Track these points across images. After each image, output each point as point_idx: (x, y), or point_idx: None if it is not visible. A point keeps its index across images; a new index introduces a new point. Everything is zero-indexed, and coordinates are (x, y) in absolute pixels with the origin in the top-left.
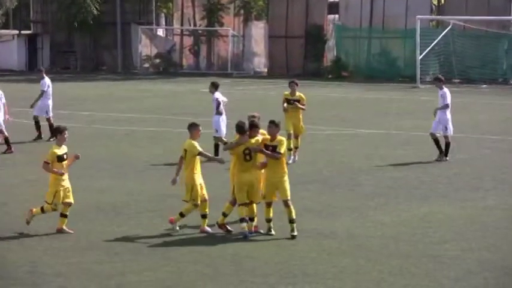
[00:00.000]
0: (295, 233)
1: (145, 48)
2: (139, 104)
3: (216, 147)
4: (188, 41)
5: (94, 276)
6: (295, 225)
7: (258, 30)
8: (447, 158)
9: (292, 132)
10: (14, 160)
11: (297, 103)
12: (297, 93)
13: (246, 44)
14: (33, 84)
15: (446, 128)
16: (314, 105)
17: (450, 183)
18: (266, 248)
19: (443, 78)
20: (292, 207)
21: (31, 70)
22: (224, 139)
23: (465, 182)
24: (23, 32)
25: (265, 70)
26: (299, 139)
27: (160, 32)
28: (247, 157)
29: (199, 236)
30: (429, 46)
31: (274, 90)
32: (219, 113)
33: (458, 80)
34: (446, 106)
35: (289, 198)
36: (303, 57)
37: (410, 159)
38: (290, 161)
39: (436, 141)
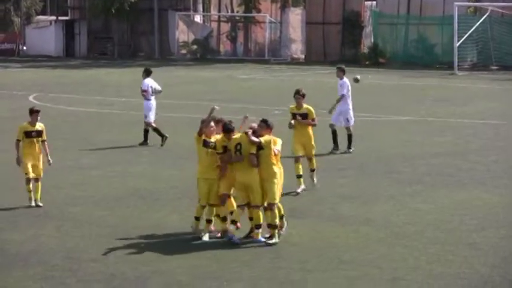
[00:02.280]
0: (273, 241)
1: (182, 34)
2: (176, 90)
3: (146, 132)
4: (225, 27)
5: (131, 261)
6: (276, 231)
7: (295, 16)
8: (351, 150)
9: (301, 154)
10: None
11: (300, 118)
12: (304, 106)
13: (283, 30)
14: (71, 70)
15: (347, 120)
16: (351, 91)
17: (488, 170)
18: (303, 234)
19: (344, 68)
20: (276, 212)
21: (68, 56)
22: (153, 124)
23: (503, 169)
24: (60, 18)
25: (303, 56)
26: (313, 160)
27: (198, 19)
28: (238, 153)
29: None
30: (467, 33)
31: (312, 76)
32: (147, 99)
33: (496, 67)
34: (342, 97)
35: (275, 201)
36: (340, 43)
37: (447, 146)
38: (299, 190)
39: (334, 133)
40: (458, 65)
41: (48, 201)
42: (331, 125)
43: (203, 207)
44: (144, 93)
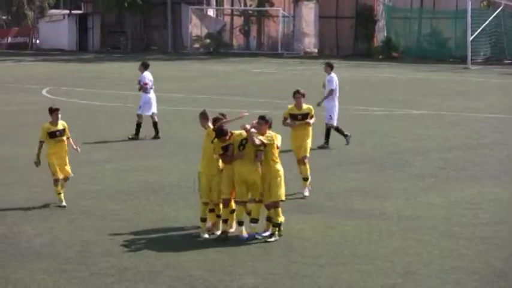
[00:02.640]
0: (273, 239)
1: (195, 28)
2: (189, 84)
3: (138, 125)
4: (238, 21)
5: (143, 255)
6: (277, 229)
7: (308, 10)
8: (349, 135)
9: (297, 157)
10: None
11: (301, 118)
12: (304, 106)
13: (296, 24)
14: (84, 64)
15: (330, 117)
16: (364, 86)
17: (501, 165)
18: (316, 229)
19: (332, 64)
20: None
21: (81, 50)
22: (156, 118)
23: None
24: (73, 11)
25: (316, 50)
26: (307, 165)
27: (211, 12)
28: (241, 148)
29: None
30: (480, 27)
31: None
32: (147, 92)
33: (509, 61)
34: (331, 92)
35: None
36: (353, 37)
37: (460, 140)
38: (306, 193)
39: (336, 129)
40: (471, 59)
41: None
42: (326, 124)
43: (206, 204)
44: (145, 86)
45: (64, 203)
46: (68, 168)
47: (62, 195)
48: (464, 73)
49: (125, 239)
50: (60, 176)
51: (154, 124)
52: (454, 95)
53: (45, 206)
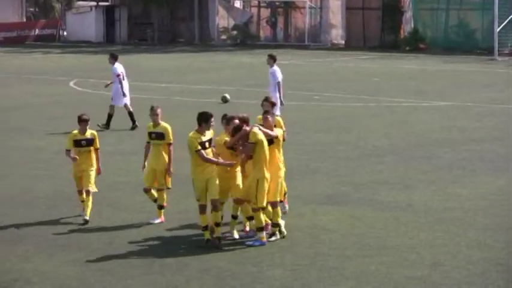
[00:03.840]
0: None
1: (222, 20)
2: (216, 75)
3: (109, 116)
4: (265, 12)
5: (171, 247)
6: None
7: (335, 1)
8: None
9: None
10: None
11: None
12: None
13: (323, 15)
14: None
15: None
16: (391, 77)
17: None
18: (343, 220)
19: (275, 56)
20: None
21: (109, 42)
22: (130, 108)
23: None
24: (100, 3)
25: (342, 42)
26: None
27: (238, 4)
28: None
29: None
30: (507, 18)
31: (351, 62)
32: (119, 83)
33: None
34: (278, 84)
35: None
36: (380, 29)
37: (487, 132)
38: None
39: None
40: (498, 51)
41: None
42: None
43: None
44: (118, 78)
45: (87, 217)
46: (91, 181)
47: (88, 210)
48: (491, 64)
49: (151, 231)
50: (83, 188)
51: (130, 114)
52: (481, 87)
53: (72, 198)
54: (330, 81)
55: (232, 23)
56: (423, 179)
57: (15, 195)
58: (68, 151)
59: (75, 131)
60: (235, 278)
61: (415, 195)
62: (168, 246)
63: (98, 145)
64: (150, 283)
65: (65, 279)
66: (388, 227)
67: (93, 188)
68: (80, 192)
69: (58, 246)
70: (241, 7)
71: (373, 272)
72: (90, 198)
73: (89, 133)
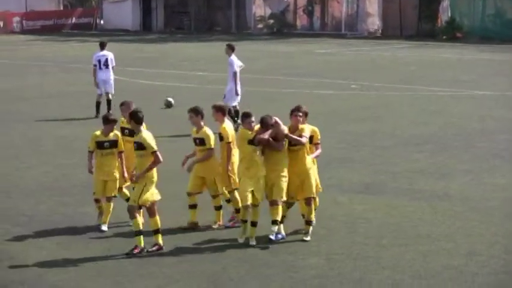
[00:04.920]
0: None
1: (259, 8)
2: (252, 64)
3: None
4: (302, 1)
5: (204, 235)
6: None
7: None
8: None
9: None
10: None
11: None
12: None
13: (360, 4)
14: (147, 44)
15: (224, 96)
16: (428, 66)
17: None
18: (379, 209)
19: (233, 46)
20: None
21: (145, 30)
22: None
23: None
24: None
25: (379, 31)
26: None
27: None
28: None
29: None
30: None
31: (388, 51)
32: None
33: None
34: (235, 74)
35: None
36: (417, 18)
37: None
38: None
39: (236, 112)
40: None
41: None
42: (226, 105)
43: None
44: (234, 76)
45: (105, 227)
46: (112, 187)
47: (108, 216)
48: None
49: (184, 219)
50: (99, 196)
51: (108, 102)
52: None
53: None
54: (367, 70)
55: (269, 11)
56: (460, 168)
57: (51, 183)
58: (90, 153)
59: (98, 132)
60: (270, 266)
61: (452, 184)
62: (202, 234)
63: (122, 147)
64: (185, 271)
65: (101, 267)
66: (425, 216)
67: (113, 194)
68: (98, 201)
69: (93, 235)
70: None
71: (409, 261)
72: (111, 204)
73: (112, 134)
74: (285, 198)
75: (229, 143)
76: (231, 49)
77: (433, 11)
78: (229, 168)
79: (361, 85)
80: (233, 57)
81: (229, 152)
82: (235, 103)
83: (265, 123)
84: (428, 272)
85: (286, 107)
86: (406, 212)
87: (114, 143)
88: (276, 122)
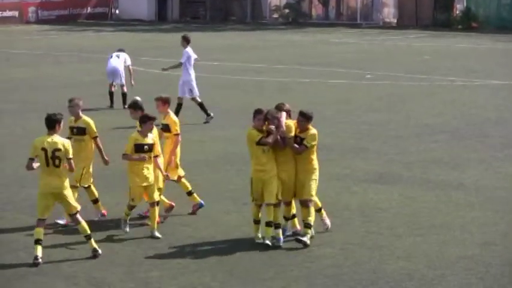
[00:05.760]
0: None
1: None
2: (267, 54)
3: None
4: None
5: (221, 226)
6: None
7: None
8: (211, 115)
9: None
10: None
11: None
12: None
13: None
14: (163, 34)
15: (190, 91)
16: (443, 56)
17: None
18: (394, 199)
19: (188, 38)
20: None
21: (160, 20)
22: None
23: None
24: None
25: (395, 21)
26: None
27: None
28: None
29: (326, 189)
30: None
31: (404, 41)
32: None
33: None
34: (179, 64)
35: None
36: (432, 7)
37: None
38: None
39: (179, 106)
40: None
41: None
42: (179, 98)
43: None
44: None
45: (157, 233)
46: (155, 191)
47: (154, 222)
48: None
49: (203, 210)
50: (137, 203)
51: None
52: None
53: (124, 175)
54: (382, 59)
55: (284, 1)
56: (475, 158)
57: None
58: (125, 156)
59: (135, 133)
60: (286, 256)
61: (466, 174)
62: (219, 224)
63: (158, 151)
64: (201, 261)
65: (115, 257)
66: (439, 206)
67: (154, 199)
68: (132, 209)
69: (110, 224)
70: None
71: (423, 251)
72: (156, 209)
73: (151, 136)
74: (315, 197)
75: (178, 134)
76: (185, 41)
77: (448, 1)
78: (174, 160)
79: (376, 75)
80: (188, 49)
81: (176, 144)
82: (196, 92)
83: (269, 117)
84: (443, 262)
85: (301, 97)
86: (420, 201)
87: (152, 147)
88: (278, 121)
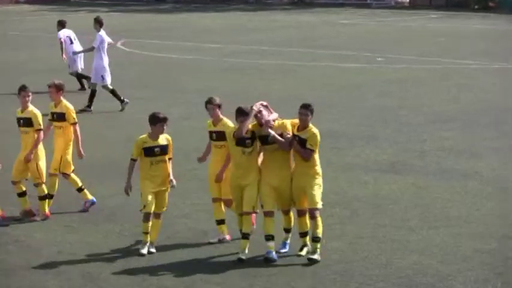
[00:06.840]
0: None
1: None
2: (272, 35)
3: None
4: None
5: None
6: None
7: None
8: (126, 101)
9: None
10: None
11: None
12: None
13: None
14: (161, 15)
15: (102, 78)
16: (458, 38)
17: None
18: (406, 190)
19: (101, 20)
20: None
21: (158, 0)
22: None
23: None
24: None
25: (407, 0)
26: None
27: None
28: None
29: (335, 179)
30: None
31: (417, 21)
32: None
33: None
34: (91, 48)
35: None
36: None
37: None
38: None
39: (93, 93)
40: None
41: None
42: (92, 85)
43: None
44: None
45: (147, 249)
46: (166, 199)
47: (156, 234)
48: None
49: (203, 201)
50: (151, 210)
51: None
52: None
53: (120, 166)
54: (393, 42)
55: None
56: (491, 147)
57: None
58: (132, 161)
59: (145, 136)
60: (290, 251)
61: (482, 163)
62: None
63: (171, 154)
64: (203, 254)
65: (112, 251)
66: (454, 197)
67: (164, 208)
68: (147, 218)
69: (104, 216)
70: None
71: (438, 245)
72: (161, 220)
73: (163, 138)
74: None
75: (75, 123)
76: (98, 24)
77: None
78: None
79: (387, 58)
80: (102, 32)
81: (75, 134)
82: (107, 80)
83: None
84: (458, 256)
85: (307, 82)
86: (434, 192)
87: (165, 149)
88: (259, 112)
